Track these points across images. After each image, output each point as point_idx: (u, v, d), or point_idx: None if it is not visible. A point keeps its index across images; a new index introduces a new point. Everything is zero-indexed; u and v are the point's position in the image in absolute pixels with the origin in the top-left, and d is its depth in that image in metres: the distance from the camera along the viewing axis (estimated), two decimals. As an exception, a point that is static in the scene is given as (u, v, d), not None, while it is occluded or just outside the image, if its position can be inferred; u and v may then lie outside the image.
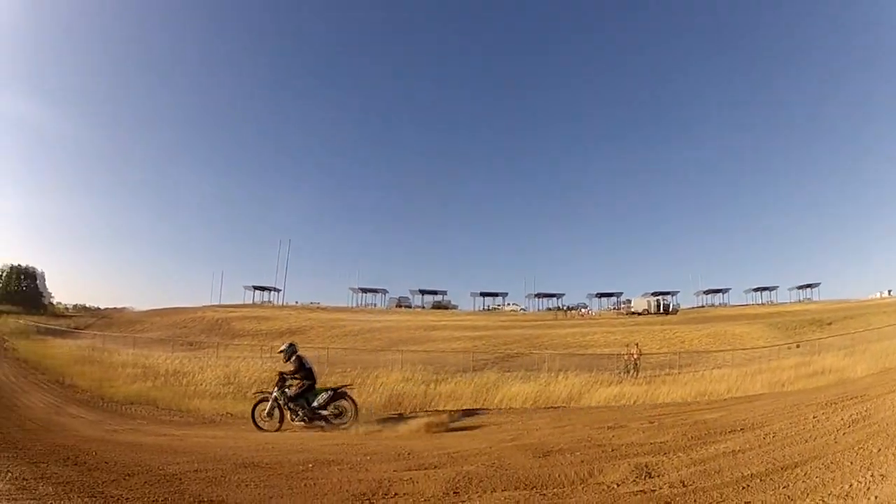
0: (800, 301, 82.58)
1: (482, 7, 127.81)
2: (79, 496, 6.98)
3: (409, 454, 10.48)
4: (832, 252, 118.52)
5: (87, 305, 69.42)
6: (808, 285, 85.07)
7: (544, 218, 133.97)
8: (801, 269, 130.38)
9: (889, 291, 77.76)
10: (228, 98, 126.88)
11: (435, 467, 9.02)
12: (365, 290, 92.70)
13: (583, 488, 7.35)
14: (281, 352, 16.62)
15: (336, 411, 15.82)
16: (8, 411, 15.88)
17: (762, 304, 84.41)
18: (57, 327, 44.62)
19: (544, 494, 7.09)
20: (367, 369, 27.49)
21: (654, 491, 6.96)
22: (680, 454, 8.99)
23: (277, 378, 16.18)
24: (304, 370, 16.18)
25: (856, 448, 8.14)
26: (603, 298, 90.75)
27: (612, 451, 9.81)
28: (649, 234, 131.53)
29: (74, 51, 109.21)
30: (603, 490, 7.19)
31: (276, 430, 15.53)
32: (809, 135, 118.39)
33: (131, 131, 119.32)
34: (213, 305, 71.37)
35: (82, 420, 16.52)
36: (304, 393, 15.91)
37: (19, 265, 60.90)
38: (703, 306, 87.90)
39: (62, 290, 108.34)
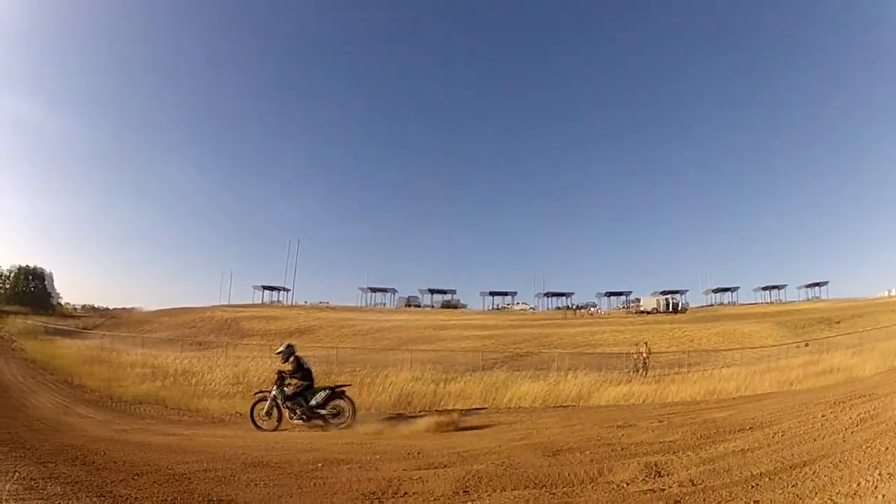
0: (808, 300, 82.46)
1: (488, 7, 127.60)
2: (87, 496, 6.94)
3: (418, 453, 10.48)
4: (840, 251, 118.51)
5: (96, 306, 69.68)
6: (817, 284, 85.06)
7: (553, 217, 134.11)
8: (810, 267, 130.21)
9: (897, 290, 77.56)
10: (236, 98, 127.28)
11: (444, 466, 9.03)
12: (374, 290, 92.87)
13: (592, 487, 7.34)
14: (279, 353, 16.74)
15: (334, 411, 15.93)
16: (16, 411, 15.92)
17: (771, 302, 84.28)
18: (65, 327, 44.63)
19: (554, 493, 7.09)
20: (376, 368, 27.55)
21: (663, 490, 6.95)
22: (689, 453, 8.99)
23: (276, 377, 16.36)
24: (302, 370, 16.35)
25: (864, 447, 8.14)
26: (612, 297, 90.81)
27: (622, 449, 9.82)
28: (658, 232, 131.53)
29: (80, 52, 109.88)
30: (612, 489, 7.18)
31: (274, 430, 15.67)
32: (815, 134, 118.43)
33: (138, 132, 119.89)
34: (222, 305, 71.53)
35: (91, 420, 16.57)
36: (302, 392, 16.06)
37: (27, 266, 61.18)
38: (711, 305, 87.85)
39: (71, 290, 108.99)
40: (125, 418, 17.81)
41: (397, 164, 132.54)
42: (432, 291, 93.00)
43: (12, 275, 59.77)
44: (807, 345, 36.16)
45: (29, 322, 43.72)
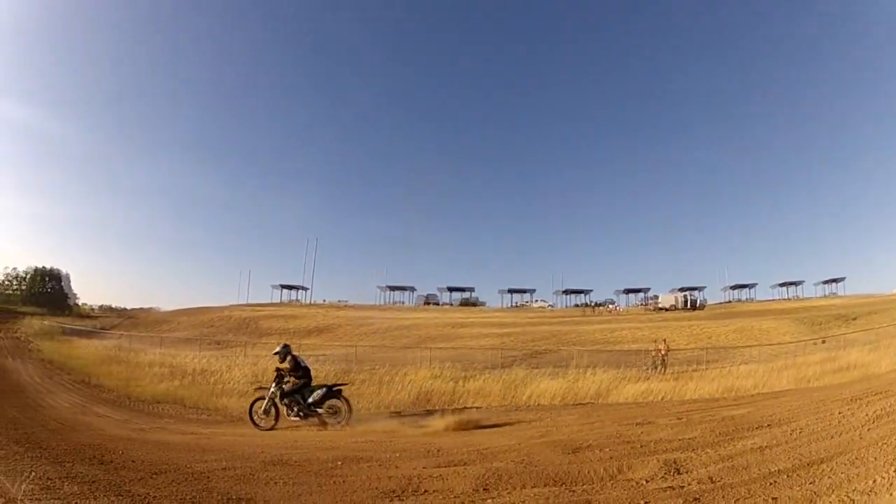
0: (825, 296, 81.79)
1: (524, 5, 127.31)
2: (105, 495, 7.03)
3: (438, 451, 10.52)
4: (857, 247, 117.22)
5: (113, 306, 69.66)
6: (834, 280, 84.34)
7: (572, 214, 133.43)
8: (827, 264, 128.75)
9: (914, 286, 76.99)
10: (252, 98, 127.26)
11: (464, 464, 9.06)
12: (393, 288, 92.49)
13: (612, 485, 7.38)
14: (276, 353, 16.80)
15: (331, 410, 16.01)
16: (33, 411, 16.04)
17: (788, 299, 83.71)
18: (82, 328, 44.53)
19: (573, 491, 7.12)
20: (395, 367, 27.59)
21: (682, 487, 6.99)
22: (708, 450, 9.04)
23: (275, 375, 16.47)
24: (299, 368, 16.46)
25: (880, 444, 8.19)
26: (630, 294, 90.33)
27: (641, 447, 9.86)
28: (676, 229, 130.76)
29: (89, 53, 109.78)
30: (632, 486, 7.21)
31: (271, 428, 15.77)
32: (833, 130, 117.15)
33: (153, 133, 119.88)
34: (241, 304, 71.33)
35: (108, 419, 16.69)
36: (300, 389, 16.19)
37: (43, 267, 61.23)
38: (729, 301, 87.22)
39: (88, 291, 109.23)
40: (143, 417, 17.95)
41: (415, 163, 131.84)
42: (451, 289, 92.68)
43: (28, 276, 59.92)
44: (824, 342, 35.91)
45: (46, 323, 43.58)
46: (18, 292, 58.55)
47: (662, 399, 21.40)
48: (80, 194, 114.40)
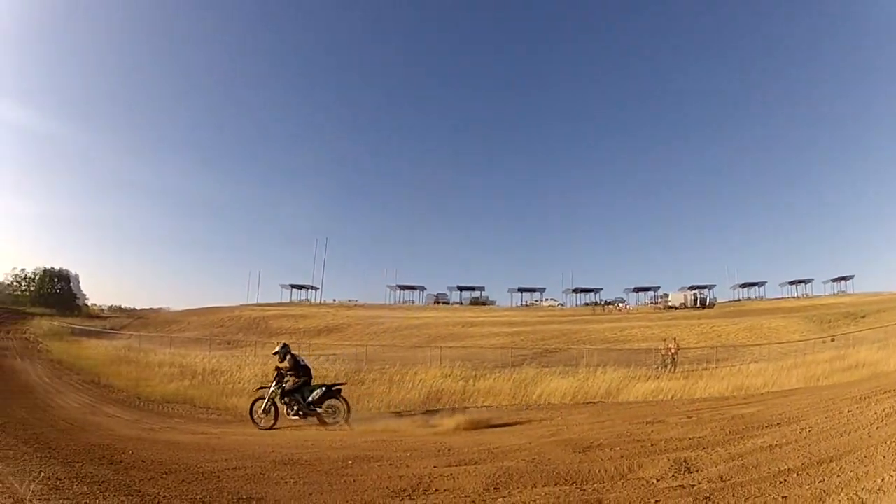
0: (834, 294, 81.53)
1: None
2: (115, 495, 7.03)
3: (448, 450, 10.56)
4: (865, 245, 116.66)
5: (123, 306, 69.64)
6: (842, 278, 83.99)
7: (581, 213, 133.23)
8: (835, 261, 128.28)
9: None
10: (263, 97, 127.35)
11: (475, 463, 9.10)
12: (403, 288, 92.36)
13: (622, 483, 7.40)
14: (275, 353, 16.96)
15: (330, 410, 16.14)
16: (42, 412, 16.03)
17: (797, 297, 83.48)
18: (92, 328, 44.30)
19: (584, 490, 7.15)
20: (405, 366, 27.65)
21: (693, 486, 7.02)
22: (718, 449, 9.08)
23: (275, 375, 16.61)
24: (298, 367, 16.60)
25: (888, 442, 8.20)
26: (640, 293, 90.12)
27: (652, 446, 9.90)
28: (686, 227, 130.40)
29: (95, 56, 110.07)
30: (642, 485, 7.24)
31: (271, 427, 15.88)
32: (841, 128, 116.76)
33: (162, 132, 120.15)
34: (251, 304, 71.27)
35: (118, 419, 16.72)
36: (300, 388, 16.32)
37: (52, 268, 61.13)
38: (739, 300, 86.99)
39: (98, 292, 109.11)
40: (153, 417, 18.01)
41: (425, 163, 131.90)
42: (461, 288, 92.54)
43: (37, 277, 59.93)
44: (833, 340, 35.79)
45: (55, 323, 43.26)
46: (27, 293, 58.51)
47: (672, 398, 21.42)
48: (89, 196, 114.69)
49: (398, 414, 17.65)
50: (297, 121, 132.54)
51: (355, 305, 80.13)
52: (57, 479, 7.46)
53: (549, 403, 21.00)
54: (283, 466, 9.14)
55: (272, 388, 16.36)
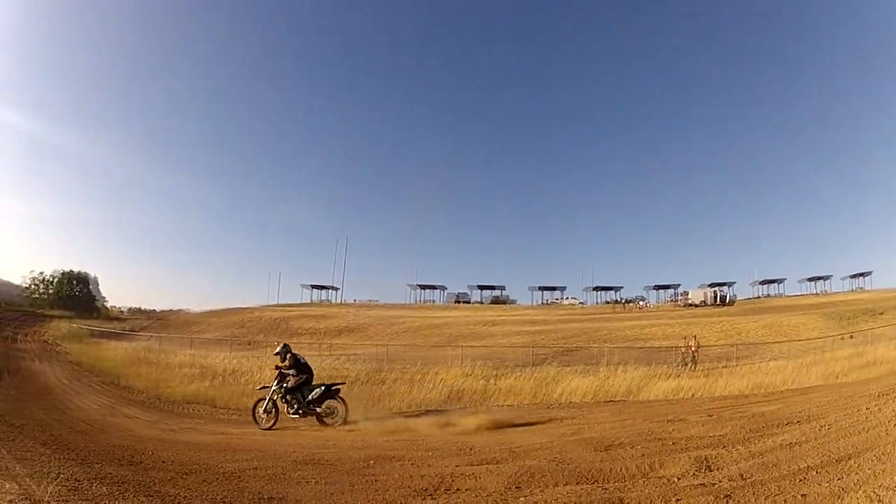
0: (852, 290, 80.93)
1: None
2: (134, 496, 7.06)
3: (470, 449, 10.65)
4: (884, 240, 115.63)
5: (143, 308, 69.63)
6: (861, 274, 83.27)
7: (601, 210, 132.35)
8: (854, 257, 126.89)
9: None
10: (278, 99, 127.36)
11: (497, 462, 9.16)
12: (423, 287, 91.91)
13: (644, 482, 7.46)
14: (276, 353, 17.14)
15: (328, 410, 16.35)
16: (60, 413, 16.09)
17: (816, 293, 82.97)
18: (111, 330, 44.29)
19: (606, 489, 7.22)
20: (426, 365, 27.68)
21: (713, 484, 7.08)
22: (739, 447, 9.14)
23: (276, 375, 16.80)
24: (299, 366, 16.85)
25: (905, 439, 8.25)
26: (660, 290, 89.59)
27: (673, 444, 9.97)
28: (705, 224, 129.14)
29: (104, 57, 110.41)
30: (664, 484, 7.30)
31: (271, 427, 16.04)
32: (860, 122, 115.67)
33: (177, 136, 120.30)
34: (271, 305, 70.95)
35: (138, 420, 16.82)
36: (301, 387, 16.53)
37: (71, 271, 61.01)
38: (759, 297, 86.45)
39: (118, 294, 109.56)
40: (173, 418, 18.12)
41: (445, 161, 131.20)
42: (481, 287, 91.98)
43: (56, 280, 59.94)
44: (851, 337, 35.55)
45: (74, 326, 42.81)
46: (45, 296, 58.60)
47: (693, 396, 21.45)
48: (108, 200, 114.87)
49: (419, 413, 17.68)
50: (315, 121, 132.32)
51: (376, 305, 79.79)
52: (76, 480, 7.51)
53: (570, 402, 21.04)
54: (305, 466, 9.22)
55: (273, 388, 16.59)
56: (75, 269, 61.21)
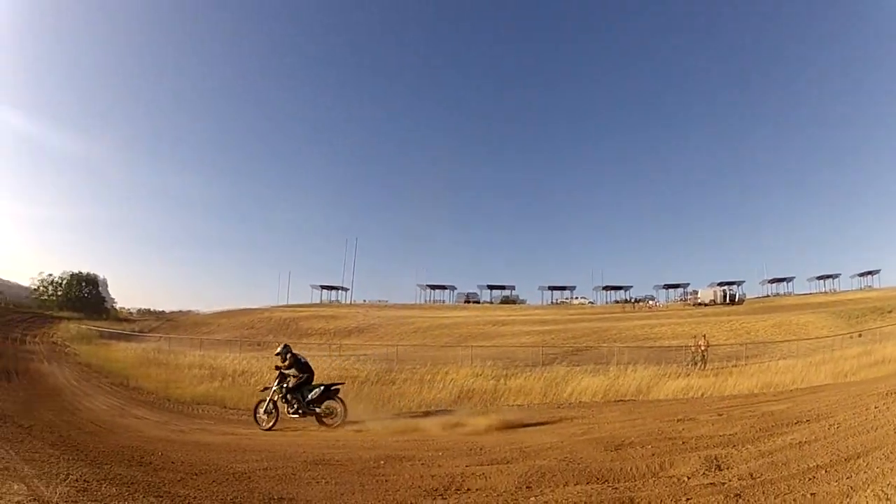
0: (861, 288, 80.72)
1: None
2: (144, 496, 7.08)
3: (480, 449, 10.69)
4: (892, 238, 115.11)
5: (152, 309, 69.55)
6: (869, 272, 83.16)
7: (610, 209, 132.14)
8: (863, 255, 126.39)
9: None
10: (287, 98, 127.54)
11: (507, 462, 9.21)
12: (433, 287, 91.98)
13: (654, 482, 7.51)
14: (277, 354, 17.27)
15: (327, 411, 16.41)
16: (69, 414, 15.92)
17: (825, 292, 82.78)
18: (120, 331, 44.15)
19: (616, 488, 7.27)
20: (436, 365, 27.71)
21: (723, 484, 7.13)
22: (748, 446, 9.19)
23: (277, 375, 16.93)
24: (299, 365, 16.98)
25: (913, 437, 8.28)
26: (670, 290, 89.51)
27: (683, 443, 10.03)
28: (714, 223, 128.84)
29: (112, 60, 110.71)
30: (674, 483, 7.36)
31: (271, 427, 16.08)
32: (868, 119, 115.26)
33: (189, 138, 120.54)
34: (281, 306, 70.88)
35: (147, 421, 16.78)
36: (301, 386, 16.65)
37: (80, 272, 60.86)
38: (768, 296, 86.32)
39: (127, 295, 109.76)
40: (183, 419, 18.13)
41: (454, 161, 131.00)
42: (491, 287, 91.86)
43: (64, 282, 59.80)
44: (860, 335, 35.52)
45: (83, 327, 42.37)
46: (54, 297, 58.49)
47: (703, 395, 21.47)
48: (117, 202, 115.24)
49: (429, 413, 17.71)
50: (322, 120, 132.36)
51: (385, 305, 79.66)
52: (85, 480, 7.50)
53: (579, 402, 21.07)
54: (315, 467, 9.25)
55: (274, 389, 16.71)
56: (84, 271, 61.30)
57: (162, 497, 7.12)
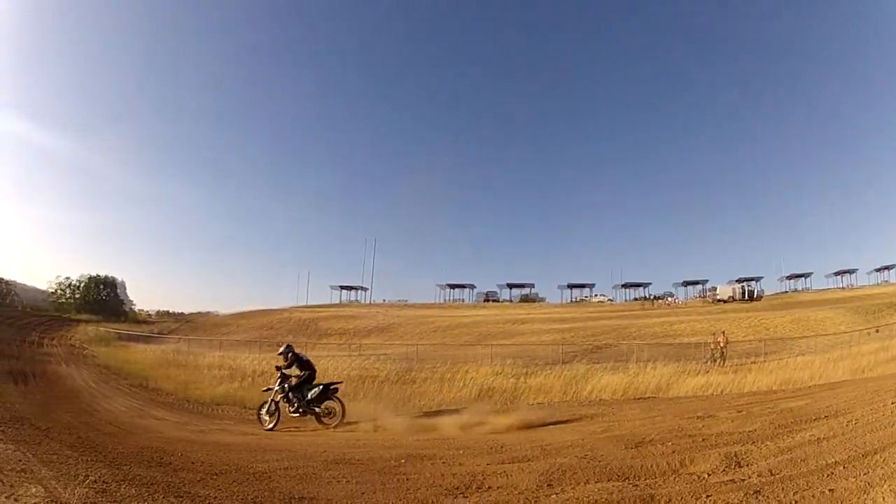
0: (878, 284, 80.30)
1: None
2: (164, 497, 7.07)
3: (501, 448, 10.76)
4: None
5: (171, 311, 69.59)
6: (886, 267, 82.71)
7: (629, 207, 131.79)
8: (880, 250, 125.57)
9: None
10: (307, 100, 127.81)
11: (528, 460, 9.27)
12: (452, 286, 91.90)
13: (674, 479, 7.58)
14: (280, 354, 17.40)
15: (326, 411, 16.57)
16: (87, 416, 15.84)
17: (843, 288, 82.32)
18: (139, 333, 44.27)
19: (637, 485, 7.32)
20: (456, 364, 27.77)
21: (743, 480, 7.19)
22: (768, 443, 9.26)
23: (279, 376, 17.06)
24: (301, 363, 17.18)
25: (929, 433, 8.33)
26: (689, 287, 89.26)
27: (703, 440, 10.10)
28: (733, 219, 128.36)
29: (121, 63, 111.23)
30: (694, 480, 7.42)
31: (272, 428, 16.17)
32: (883, 113, 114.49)
33: (204, 141, 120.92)
34: (300, 306, 70.94)
35: (166, 422, 16.76)
36: (302, 385, 16.82)
37: (97, 275, 61.01)
38: (786, 292, 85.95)
39: (146, 297, 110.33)
40: (202, 419, 18.19)
41: (472, 160, 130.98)
42: (510, 286, 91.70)
43: (82, 284, 59.81)
44: (877, 331, 35.50)
45: (101, 329, 42.08)
46: (71, 300, 58.52)
47: (722, 392, 21.47)
48: (135, 203, 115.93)
49: (450, 412, 17.69)
50: (341, 125, 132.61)
51: (405, 305, 79.62)
52: (104, 482, 7.47)
53: (599, 399, 21.13)
54: (335, 466, 9.30)
55: (275, 389, 16.86)
56: (102, 274, 61.47)
57: (182, 497, 7.16)
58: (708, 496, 6.67)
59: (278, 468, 9.03)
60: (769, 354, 30.79)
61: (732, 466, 7.94)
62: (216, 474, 8.51)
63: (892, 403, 11.49)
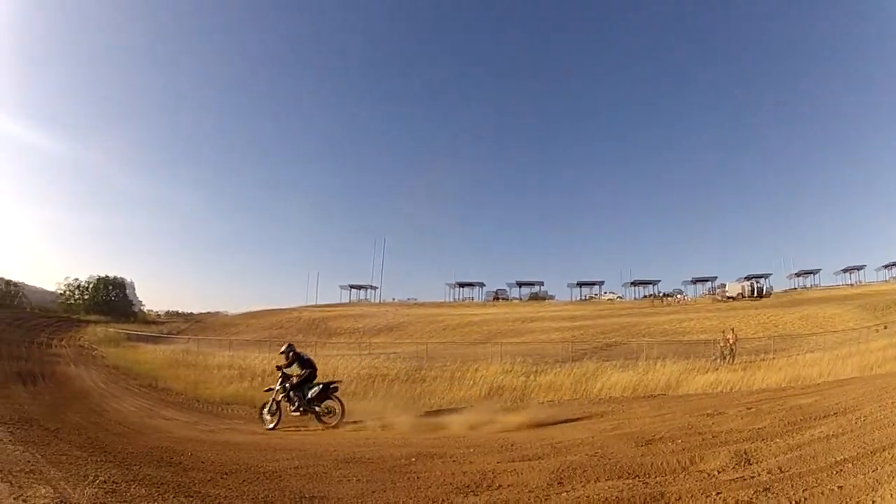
0: (886, 280, 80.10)
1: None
2: (174, 497, 7.05)
3: (512, 446, 10.82)
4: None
5: (180, 311, 69.61)
6: (894, 264, 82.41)
7: (638, 205, 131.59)
8: (889, 247, 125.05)
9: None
10: (315, 97, 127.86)
11: (538, 458, 9.29)
12: (462, 285, 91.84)
13: (684, 476, 7.61)
14: (282, 353, 17.51)
15: (326, 410, 16.65)
16: (97, 416, 15.85)
17: (851, 284, 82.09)
18: (148, 334, 44.38)
19: (647, 483, 7.34)
20: (466, 363, 27.79)
21: (753, 478, 7.21)
22: (777, 440, 9.29)
23: (280, 375, 17.17)
24: (302, 362, 17.24)
25: (938, 430, 8.36)
26: (698, 284, 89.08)
27: (712, 438, 10.13)
28: (741, 217, 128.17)
29: (127, 64, 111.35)
30: (704, 477, 7.45)
31: (274, 427, 16.21)
32: (890, 114, 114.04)
33: (219, 141, 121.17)
34: (310, 306, 71.01)
35: (176, 422, 16.79)
36: (303, 384, 16.88)
37: (107, 276, 61.02)
38: (795, 289, 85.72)
39: (155, 298, 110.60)
40: (212, 419, 18.25)
41: (480, 159, 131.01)
42: (520, 284, 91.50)
43: (91, 285, 59.84)
44: (885, 327, 35.45)
45: (110, 330, 42.09)
46: (80, 301, 58.57)
47: (731, 389, 21.47)
48: (146, 205, 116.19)
49: (460, 410, 17.72)
50: (348, 125, 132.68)
51: (414, 304, 79.68)
52: (113, 482, 7.46)
53: (609, 397, 21.21)
54: (346, 465, 9.31)
55: (276, 389, 16.95)
56: (111, 275, 61.58)
57: (192, 497, 7.17)
58: (718, 493, 6.68)
59: (288, 467, 9.05)
60: (778, 351, 30.77)
61: (742, 464, 7.97)
62: (226, 474, 8.54)
63: (901, 400, 11.53)
